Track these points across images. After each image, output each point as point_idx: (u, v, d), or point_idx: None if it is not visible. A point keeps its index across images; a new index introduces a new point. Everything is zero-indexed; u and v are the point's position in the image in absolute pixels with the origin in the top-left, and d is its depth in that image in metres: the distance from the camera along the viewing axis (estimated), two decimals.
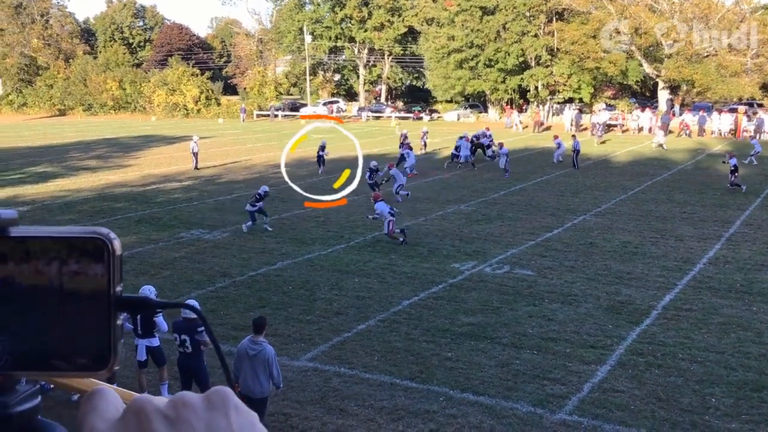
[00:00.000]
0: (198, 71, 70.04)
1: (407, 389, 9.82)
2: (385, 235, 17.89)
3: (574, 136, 34.42)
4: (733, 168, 25.56)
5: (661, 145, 38.71)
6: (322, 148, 29.69)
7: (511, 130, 51.34)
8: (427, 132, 38.18)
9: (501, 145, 30.88)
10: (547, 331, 12.01)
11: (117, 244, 0.71)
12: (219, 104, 69.31)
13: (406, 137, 32.40)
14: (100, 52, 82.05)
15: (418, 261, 16.20)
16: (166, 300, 0.83)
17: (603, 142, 42.48)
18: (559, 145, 32.86)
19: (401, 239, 17.59)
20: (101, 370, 0.71)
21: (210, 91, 69.52)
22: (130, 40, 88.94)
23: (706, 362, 10.78)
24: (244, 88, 72.17)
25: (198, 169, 30.52)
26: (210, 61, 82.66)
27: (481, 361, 10.77)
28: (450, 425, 8.84)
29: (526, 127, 52.61)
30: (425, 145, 36.88)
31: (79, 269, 0.70)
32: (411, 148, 30.48)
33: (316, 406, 9.32)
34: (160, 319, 9.59)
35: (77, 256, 0.70)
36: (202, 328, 8.95)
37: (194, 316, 8.95)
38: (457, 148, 31.61)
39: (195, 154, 30.81)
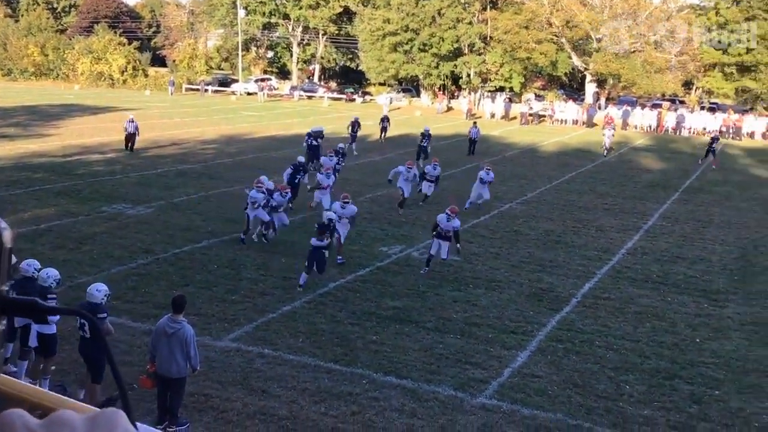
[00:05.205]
0: (125, 40, 67.72)
1: (331, 371, 9.81)
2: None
3: (474, 123, 33.67)
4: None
5: (611, 149, 34.46)
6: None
7: (439, 115, 51.59)
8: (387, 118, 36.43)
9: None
10: (470, 316, 12.19)
11: (8, 235, 0.60)
12: (146, 75, 67.25)
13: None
14: (22, 15, 78.47)
15: (345, 243, 16.15)
16: (58, 306, 0.75)
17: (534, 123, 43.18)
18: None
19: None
20: None
21: (137, 62, 67.38)
22: (54, 5, 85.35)
23: (621, 350, 11.13)
24: (174, 61, 70.32)
25: (131, 151, 26.99)
26: (138, 31, 80.00)
27: (406, 344, 10.86)
28: (372, 408, 8.88)
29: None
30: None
31: None
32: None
33: (238, 387, 9.21)
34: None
35: None
36: (104, 315, 8.49)
37: (99, 301, 8.50)
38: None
39: (130, 135, 27.11)
